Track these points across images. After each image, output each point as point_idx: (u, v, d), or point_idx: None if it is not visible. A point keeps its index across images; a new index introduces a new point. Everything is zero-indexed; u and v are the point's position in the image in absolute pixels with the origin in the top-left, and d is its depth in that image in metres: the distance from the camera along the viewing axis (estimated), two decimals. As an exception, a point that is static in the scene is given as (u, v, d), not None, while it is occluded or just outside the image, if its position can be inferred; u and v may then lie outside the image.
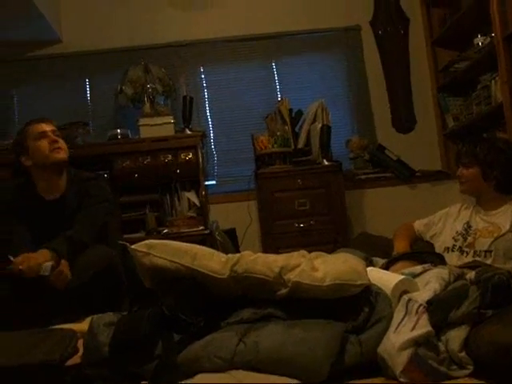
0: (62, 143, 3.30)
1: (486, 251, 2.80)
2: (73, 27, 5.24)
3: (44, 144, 3.24)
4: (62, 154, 3.27)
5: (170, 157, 4.63)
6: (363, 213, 5.18)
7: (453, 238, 2.99)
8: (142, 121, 4.76)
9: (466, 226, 2.99)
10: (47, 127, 3.30)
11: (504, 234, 2.81)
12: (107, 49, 5.25)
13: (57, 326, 2.37)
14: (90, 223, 3.19)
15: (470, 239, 2.90)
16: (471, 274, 2.06)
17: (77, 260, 3.00)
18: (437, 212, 3.28)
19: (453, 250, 2.93)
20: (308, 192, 4.61)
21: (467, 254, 2.86)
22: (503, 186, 2.97)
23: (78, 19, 5.25)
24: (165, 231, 4.49)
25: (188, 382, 1.71)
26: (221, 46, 5.36)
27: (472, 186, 3.01)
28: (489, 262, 2.74)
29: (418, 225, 3.28)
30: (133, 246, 2.05)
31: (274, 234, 4.60)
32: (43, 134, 3.26)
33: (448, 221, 3.14)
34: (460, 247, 2.91)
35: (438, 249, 3.03)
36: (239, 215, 5.00)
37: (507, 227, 2.82)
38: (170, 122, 4.77)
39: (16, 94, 5.30)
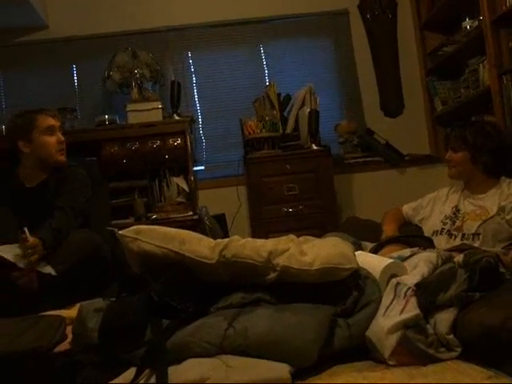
0: (65, 144, 3.33)
1: (473, 234, 2.82)
2: (59, 13, 5.20)
3: (52, 142, 3.26)
4: (64, 157, 3.32)
5: (158, 142, 4.62)
6: (352, 197, 5.19)
7: (441, 221, 3.01)
8: (130, 106, 4.74)
9: (454, 209, 3.00)
10: (57, 123, 3.32)
11: (492, 217, 2.82)
12: (94, 34, 5.22)
13: (45, 313, 2.37)
14: (71, 210, 3.17)
15: (458, 222, 2.92)
16: (459, 257, 2.07)
17: (60, 247, 2.99)
18: (425, 196, 3.29)
19: (441, 234, 2.95)
20: (297, 177, 4.61)
21: (455, 237, 2.87)
22: (491, 170, 2.97)
23: (64, 4, 5.21)
24: (154, 217, 4.48)
25: (177, 367, 1.71)
26: (208, 31, 5.35)
27: (461, 170, 3.01)
28: (476, 244, 2.75)
29: (407, 209, 3.29)
30: (121, 232, 2.05)
31: (263, 219, 4.60)
32: (52, 129, 3.27)
33: (436, 204, 3.15)
34: (448, 230, 2.93)
35: (427, 232, 3.04)
36: (228, 200, 5.00)
37: (495, 210, 2.84)
38: (158, 108, 4.76)
39: (3, 80, 5.27)
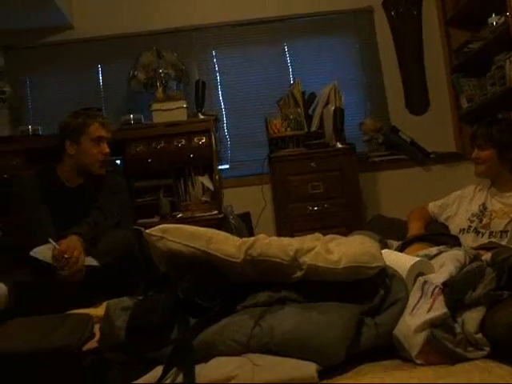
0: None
1: (501, 232, 2.79)
2: (84, 13, 5.24)
3: (96, 152, 3.30)
4: (104, 170, 3.36)
5: (183, 141, 4.64)
6: (377, 195, 5.17)
7: (468, 219, 2.98)
8: (155, 106, 4.77)
9: (481, 207, 2.97)
10: (107, 134, 3.36)
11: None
12: (119, 34, 5.25)
13: (73, 311, 2.39)
14: (108, 211, 3.23)
15: (485, 220, 2.89)
16: (487, 256, 2.05)
17: (98, 244, 3.04)
18: (451, 194, 3.26)
19: (468, 232, 2.92)
20: (322, 175, 4.61)
21: (482, 234, 2.85)
22: None
23: (89, 5, 5.25)
24: (179, 216, 4.51)
25: (204, 365, 1.72)
26: (232, 30, 5.36)
27: (488, 168, 2.98)
28: (504, 242, 2.73)
29: (433, 207, 3.27)
30: (147, 231, 2.05)
31: (288, 217, 4.60)
32: (100, 140, 3.31)
33: (462, 202, 3.12)
34: (475, 228, 2.90)
35: (453, 230, 3.02)
36: (253, 199, 5.01)
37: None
38: (183, 107, 4.78)
39: (29, 81, 5.32)
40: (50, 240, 2.92)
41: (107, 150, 3.33)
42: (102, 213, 3.19)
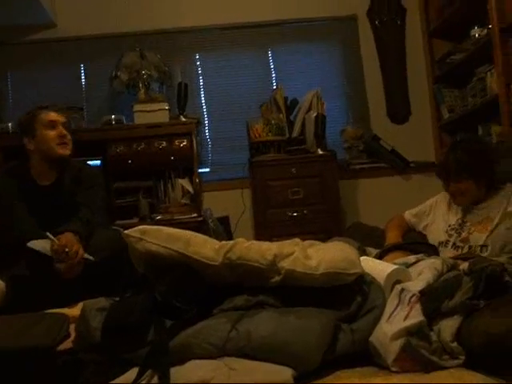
0: (68, 138, 3.30)
1: (481, 246, 2.78)
2: (68, 12, 5.21)
3: (52, 135, 3.24)
4: (67, 150, 3.29)
5: (164, 143, 4.63)
6: (357, 203, 5.19)
7: (446, 232, 2.97)
8: (137, 107, 4.75)
9: (460, 220, 2.96)
10: (59, 118, 3.30)
11: (497, 226, 2.79)
12: (102, 34, 5.23)
13: (49, 311, 2.37)
14: (95, 205, 3.23)
15: (464, 234, 2.88)
16: (464, 265, 2.07)
17: (90, 241, 3.05)
18: (426, 202, 3.26)
19: (446, 246, 2.91)
20: (302, 181, 4.62)
21: (462, 248, 2.84)
22: (492, 182, 2.95)
23: (73, 4, 5.23)
24: (158, 218, 4.50)
25: (179, 368, 1.71)
26: (217, 33, 5.36)
27: (468, 197, 2.94)
28: (485, 256, 2.72)
29: (409, 215, 3.26)
30: (126, 232, 2.05)
31: (267, 222, 4.60)
32: (54, 124, 3.26)
33: (438, 210, 3.11)
34: (454, 243, 2.89)
35: (432, 241, 3.01)
36: (233, 203, 5.01)
37: (498, 217, 2.81)
38: (165, 109, 4.77)
39: (10, 78, 5.28)
40: (49, 234, 2.90)
41: (64, 132, 3.27)
42: (88, 208, 3.18)
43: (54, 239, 2.89)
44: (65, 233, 2.94)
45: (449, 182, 2.96)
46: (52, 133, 3.24)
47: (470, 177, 2.89)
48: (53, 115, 3.28)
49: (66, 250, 2.85)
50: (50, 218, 3.06)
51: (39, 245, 2.91)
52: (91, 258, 2.95)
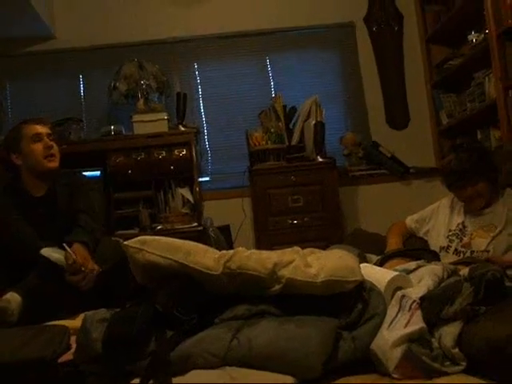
0: (55, 149, 3.29)
1: (483, 251, 2.78)
2: (67, 23, 5.22)
3: (38, 148, 3.23)
4: (55, 163, 3.27)
5: (163, 153, 4.63)
6: (357, 209, 5.19)
7: (447, 237, 2.96)
8: (136, 117, 4.76)
9: (460, 225, 2.95)
10: (43, 129, 3.28)
11: (500, 232, 2.79)
12: (101, 45, 5.24)
13: (50, 323, 2.37)
14: (94, 212, 3.22)
15: (465, 239, 2.87)
16: (465, 271, 2.06)
17: (96, 250, 3.07)
18: (427, 208, 3.25)
19: (447, 251, 2.91)
20: (302, 189, 4.62)
21: (464, 254, 2.83)
22: (497, 182, 2.94)
23: (72, 15, 5.24)
24: (158, 228, 4.49)
25: (181, 378, 1.71)
26: (215, 42, 5.37)
27: (485, 198, 2.93)
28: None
29: (410, 222, 3.26)
30: (126, 242, 2.05)
31: (267, 230, 4.60)
32: (39, 137, 3.25)
33: (440, 216, 3.11)
34: (456, 249, 2.88)
35: (433, 246, 3.01)
36: (233, 212, 5.01)
37: (502, 224, 2.80)
38: (164, 119, 4.77)
39: (9, 89, 5.28)
40: (66, 246, 2.92)
41: (50, 143, 3.25)
42: (89, 216, 3.18)
43: (71, 252, 2.90)
44: (74, 244, 2.95)
45: (466, 187, 2.92)
46: (38, 146, 3.23)
47: (484, 177, 2.88)
48: (37, 128, 3.26)
49: (82, 268, 2.87)
50: (46, 229, 3.06)
51: (53, 255, 2.92)
52: (100, 269, 2.98)
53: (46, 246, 2.93)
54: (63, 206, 3.24)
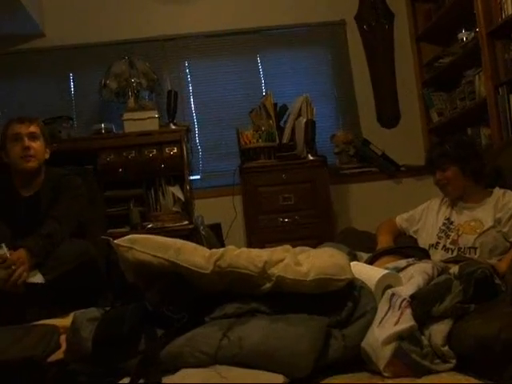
0: (35, 150, 3.25)
1: (470, 248, 2.79)
2: (56, 21, 5.19)
3: (16, 149, 3.22)
4: (32, 163, 3.24)
5: (154, 151, 4.61)
6: (348, 207, 5.19)
7: (436, 234, 2.98)
8: (127, 115, 4.74)
9: (447, 222, 2.97)
10: (24, 129, 3.24)
11: (488, 229, 2.80)
12: (91, 43, 5.21)
13: (39, 322, 2.36)
14: (65, 218, 3.17)
15: (453, 236, 2.88)
16: (455, 269, 2.07)
17: (50, 256, 3.00)
18: (417, 207, 3.27)
19: (436, 248, 2.92)
20: (293, 187, 4.61)
21: (452, 251, 2.84)
22: (481, 177, 2.96)
23: (61, 13, 5.20)
24: (149, 226, 4.48)
25: (171, 377, 1.71)
26: (205, 40, 5.34)
27: (456, 185, 2.95)
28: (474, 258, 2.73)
29: (400, 220, 3.27)
30: (116, 241, 2.04)
31: (258, 228, 4.59)
32: (18, 137, 3.22)
33: (429, 215, 3.12)
34: (444, 246, 2.89)
35: (422, 244, 3.02)
36: (224, 210, 4.99)
37: (490, 222, 2.81)
38: (155, 117, 4.76)
39: (-1, 88, 5.26)
40: (3, 245, 2.89)
41: (27, 144, 3.21)
42: (56, 221, 3.12)
43: (6, 252, 2.86)
44: (19, 249, 2.91)
45: (435, 172, 2.97)
46: (16, 147, 3.21)
47: (454, 163, 2.90)
48: (16, 127, 3.24)
49: (13, 267, 2.82)
50: (29, 229, 3.04)
51: None
52: (40, 280, 2.91)
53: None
54: (45, 209, 3.22)
